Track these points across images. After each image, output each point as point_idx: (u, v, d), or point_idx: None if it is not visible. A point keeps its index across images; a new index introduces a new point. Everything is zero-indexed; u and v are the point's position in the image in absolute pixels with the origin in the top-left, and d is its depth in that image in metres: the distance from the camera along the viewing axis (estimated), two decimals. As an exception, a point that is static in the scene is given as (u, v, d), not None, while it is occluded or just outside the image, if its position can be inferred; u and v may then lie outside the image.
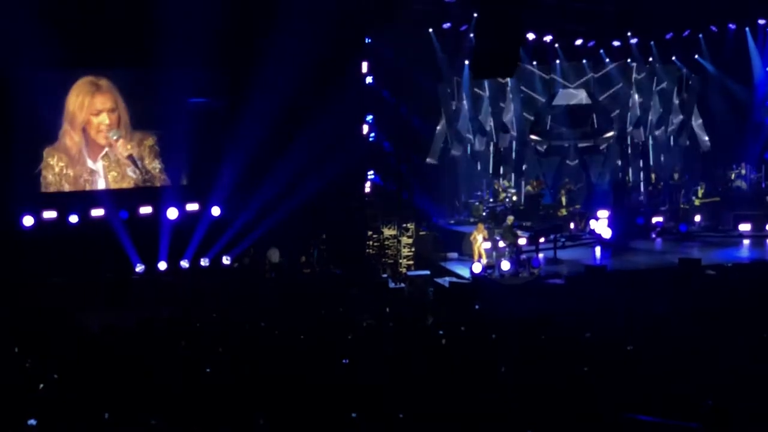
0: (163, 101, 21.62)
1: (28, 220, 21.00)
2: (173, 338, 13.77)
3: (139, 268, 21.60)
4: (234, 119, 21.94)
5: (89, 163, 21.88)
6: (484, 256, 21.70)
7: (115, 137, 21.88)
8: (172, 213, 22.22)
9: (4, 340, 13.44)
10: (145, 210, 22.17)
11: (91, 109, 21.68)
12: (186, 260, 22.01)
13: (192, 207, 22.53)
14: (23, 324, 15.43)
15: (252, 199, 22.05)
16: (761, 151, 27.67)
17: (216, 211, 22.48)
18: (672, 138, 28.60)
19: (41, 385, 10.20)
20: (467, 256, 22.58)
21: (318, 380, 10.19)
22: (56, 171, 21.60)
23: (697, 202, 26.40)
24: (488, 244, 21.85)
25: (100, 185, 22.07)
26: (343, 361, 11.40)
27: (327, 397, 9.52)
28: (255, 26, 21.39)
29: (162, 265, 21.84)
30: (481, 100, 26.77)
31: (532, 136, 27.45)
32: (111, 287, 20.57)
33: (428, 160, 25.83)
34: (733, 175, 27.27)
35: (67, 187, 21.76)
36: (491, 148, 27.18)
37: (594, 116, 27.94)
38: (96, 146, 21.95)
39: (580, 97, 27.70)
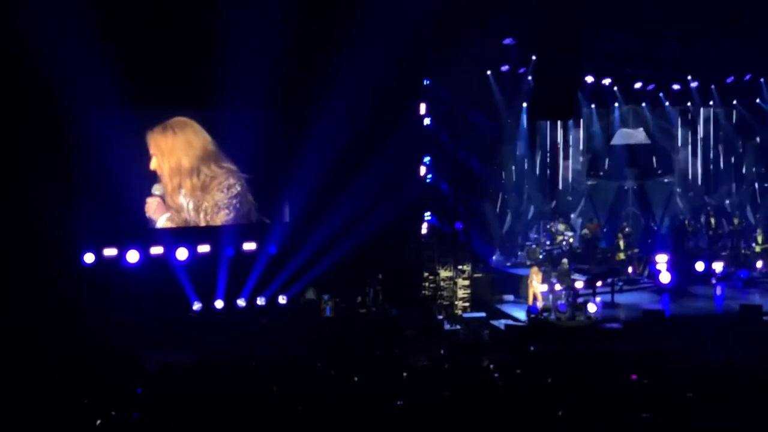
0: (229, 142, 22.05)
1: (89, 258, 21.29)
2: (229, 376, 13.85)
3: (196, 306, 21.81)
4: (293, 159, 22.16)
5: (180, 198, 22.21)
6: (540, 298, 21.59)
7: (157, 192, 22.05)
8: (230, 251, 22.41)
9: (64, 376, 13.62)
10: (204, 249, 22.40)
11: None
12: (243, 299, 22.18)
13: (249, 246, 22.72)
14: (81, 360, 15.64)
15: (309, 239, 22.16)
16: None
17: (273, 250, 22.65)
18: (733, 182, 28.23)
19: (98, 422, 10.31)
20: (523, 299, 22.44)
21: (372, 422, 10.18)
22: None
23: (757, 249, 25.92)
24: (545, 287, 21.72)
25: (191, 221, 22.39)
26: (398, 402, 11.38)
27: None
28: (314, 67, 21.64)
29: (219, 304, 22.03)
30: (539, 143, 26.70)
31: (590, 179, 27.28)
32: (168, 324, 20.75)
33: (485, 201, 25.73)
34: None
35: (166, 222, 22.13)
36: (548, 190, 27.06)
37: (653, 157, 27.71)
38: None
39: (639, 136, 27.47)
